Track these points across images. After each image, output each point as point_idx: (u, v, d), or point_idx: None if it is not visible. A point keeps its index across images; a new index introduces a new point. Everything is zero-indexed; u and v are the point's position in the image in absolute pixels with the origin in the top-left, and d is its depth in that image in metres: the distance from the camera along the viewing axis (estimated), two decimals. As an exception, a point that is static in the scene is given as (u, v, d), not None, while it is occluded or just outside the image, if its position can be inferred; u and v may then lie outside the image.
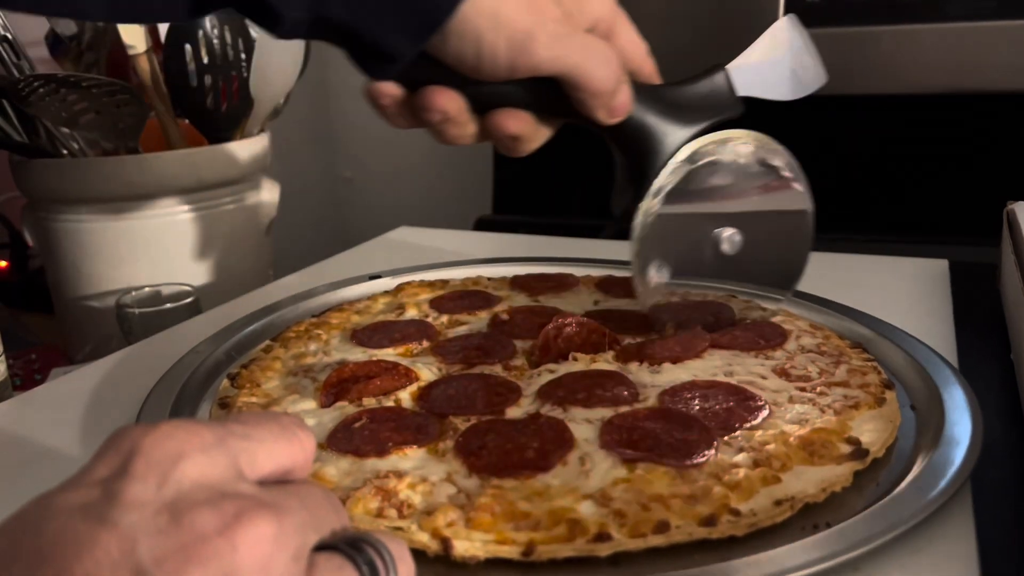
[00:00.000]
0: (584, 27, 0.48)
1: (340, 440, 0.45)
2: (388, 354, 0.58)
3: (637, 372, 0.53)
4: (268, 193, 0.98)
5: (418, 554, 0.37)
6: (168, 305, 0.77)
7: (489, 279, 0.75)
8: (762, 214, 0.55)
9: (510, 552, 0.37)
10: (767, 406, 0.47)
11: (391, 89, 0.47)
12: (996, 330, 0.64)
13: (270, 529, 0.24)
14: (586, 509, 0.38)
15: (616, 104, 0.48)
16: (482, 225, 1.21)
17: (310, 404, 0.51)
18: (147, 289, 0.81)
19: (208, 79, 0.88)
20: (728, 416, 0.46)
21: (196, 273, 0.90)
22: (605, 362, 0.54)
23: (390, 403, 0.50)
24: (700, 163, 0.52)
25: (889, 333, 0.59)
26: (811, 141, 1.07)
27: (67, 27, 0.92)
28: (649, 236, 0.53)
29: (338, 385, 0.51)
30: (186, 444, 0.25)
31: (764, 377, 0.52)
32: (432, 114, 0.47)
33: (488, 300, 0.69)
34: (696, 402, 0.48)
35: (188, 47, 0.86)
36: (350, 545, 0.27)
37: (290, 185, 1.04)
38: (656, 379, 0.51)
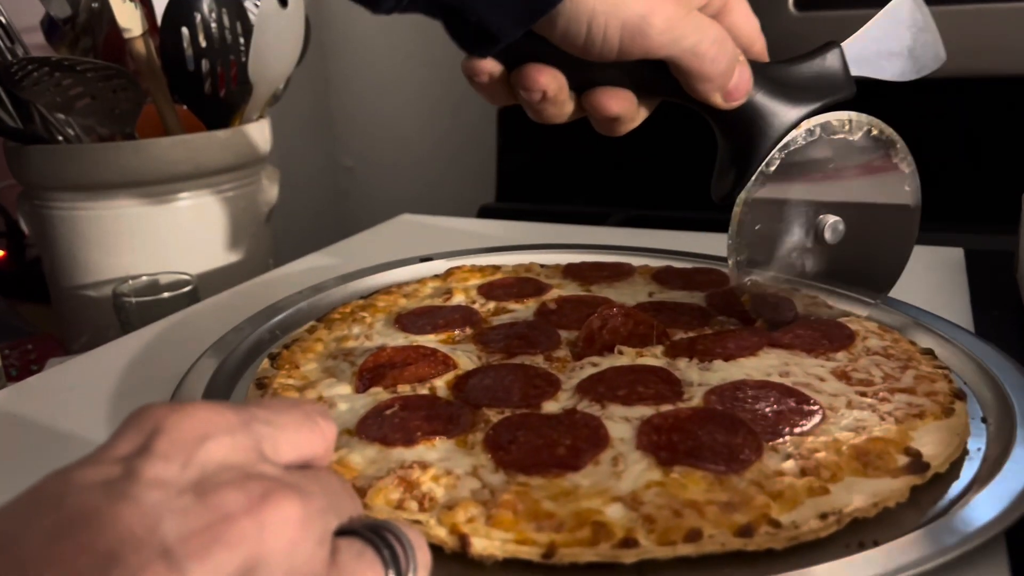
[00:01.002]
0: (698, 5, 0.45)
1: (369, 427, 0.44)
2: (429, 340, 0.56)
3: (685, 369, 0.50)
4: (268, 180, 0.97)
5: (435, 550, 0.36)
6: (166, 294, 0.76)
7: (542, 266, 0.73)
8: (867, 205, 0.52)
9: (530, 553, 0.35)
10: (821, 410, 0.44)
11: (489, 66, 0.46)
12: (1014, 318, 0.61)
13: (296, 511, 0.24)
14: (614, 512, 0.36)
15: (732, 87, 0.46)
16: (486, 213, 1.19)
17: (345, 388, 0.50)
18: (144, 278, 0.79)
19: (206, 63, 0.87)
20: (777, 419, 0.43)
21: (195, 261, 0.88)
22: (653, 357, 0.52)
23: (425, 391, 0.49)
24: (806, 144, 0.49)
25: (958, 338, 0.55)
26: None
27: (61, 9, 0.90)
28: (749, 221, 0.50)
29: (373, 371, 0.50)
30: (211, 425, 0.25)
31: (822, 379, 0.48)
32: (532, 93, 0.46)
33: (538, 288, 0.67)
34: (744, 403, 0.45)
35: (185, 31, 0.85)
36: (370, 531, 0.27)
37: (290, 174, 1.03)
38: (705, 377, 0.49)
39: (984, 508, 0.36)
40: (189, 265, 0.85)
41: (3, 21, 0.84)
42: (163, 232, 0.88)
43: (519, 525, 0.36)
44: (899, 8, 0.50)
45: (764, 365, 0.50)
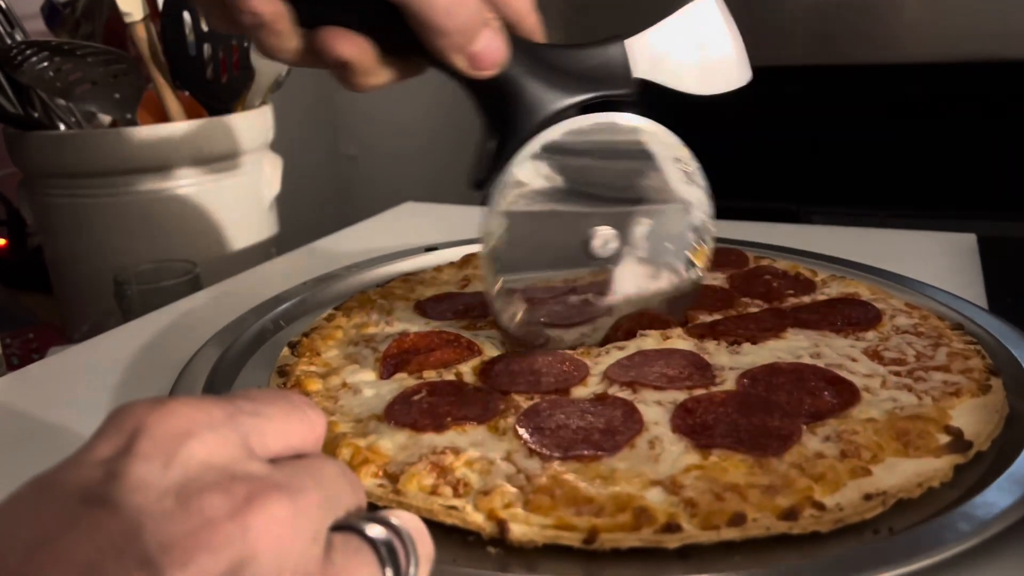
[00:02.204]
0: None
1: (397, 413, 0.43)
2: (451, 326, 0.56)
3: (715, 352, 0.49)
4: (271, 167, 0.96)
5: (471, 536, 0.35)
6: (168, 281, 0.75)
7: (559, 251, 0.72)
8: (638, 212, 0.47)
9: (571, 539, 0.34)
10: (857, 391, 0.43)
11: None
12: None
13: (284, 511, 0.23)
14: (654, 496, 0.36)
15: (477, 50, 0.40)
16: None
17: (368, 374, 0.49)
18: (146, 265, 0.78)
19: (208, 48, 0.85)
20: (813, 401, 0.42)
21: (197, 249, 0.87)
22: (680, 339, 0.51)
23: (450, 376, 0.48)
24: (570, 139, 0.44)
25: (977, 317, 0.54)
26: (834, 113, 1.02)
27: None
28: (507, 233, 0.46)
29: (398, 357, 0.50)
30: (193, 422, 0.24)
31: (854, 359, 0.47)
32: (243, 16, 0.39)
33: (557, 273, 0.66)
34: (778, 386, 0.44)
35: (187, 15, 0.84)
36: (367, 526, 0.26)
37: (292, 162, 1.02)
38: (736, 360, 0.48)
39: (1003, 493, 0.36)
40: (191, 253, 0.84)
41: (3, 6, 0.82)
42: (164, 219, 0.87)
43: (558, 510, 0.35)
44: (697, 13, 0.46)
45: (794, 347, 0.49)
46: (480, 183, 0.46)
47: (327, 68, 0.42)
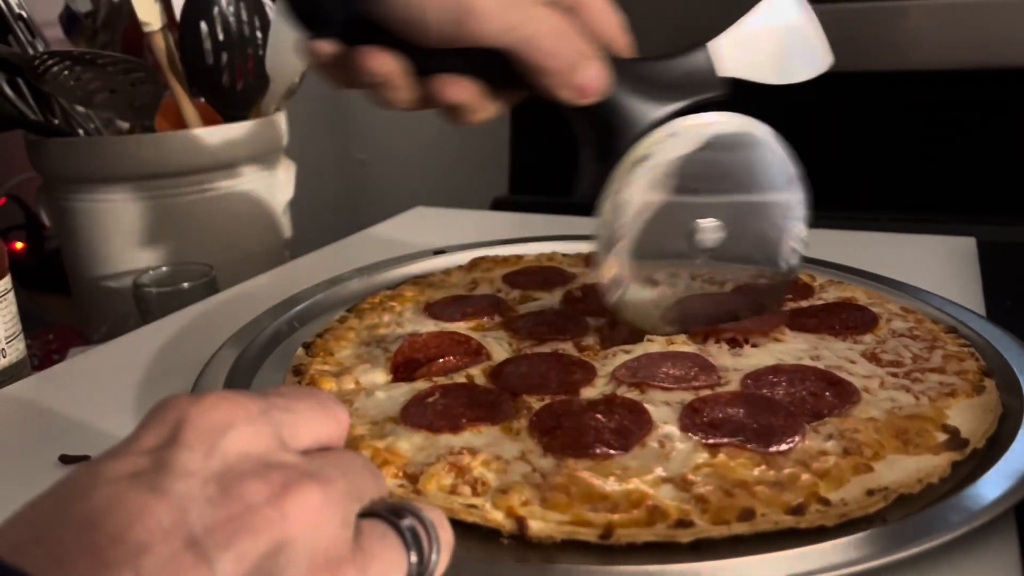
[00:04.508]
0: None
1: (413, 415, 0.45)
2: (460, 327, 0.57)
3: (718, 354, 0.51)
4: (285, 173, 0.97)
5: (491, 534, 0.37)
6: (185, 284, 0.76)
7: (564, 255, 0.74)
8: (743, 205, 0.49)
9: (587, 535, 0.36)
10: (857, 392, 0.45)
11: (325, 47, 0.44)
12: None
13: (317, 498, 0.24)
14: (666, 493, 0.37)
15: (581, 82, 0.43)
16: (499, 205, 1.18)
17: (380, 374, 0.50)
18: (164, 268, 0.80)
19: (224, 57, 0.87)
20: (815, 402, 0.44)
21: (213, 253, 0.88)
22: (683, 342, 0.53)
23: (462, 379, 0.49)
24: (671, 143, 0.46)
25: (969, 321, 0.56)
26: (834, 118, 1.03)
27: (83, 3, 0.91)
28: (618, 227, 0.47)
29: (408, 358, 0.51)
30: (232, 415, 0.25)
31: (853, 362, 0.49)
32: (365, 76, 0.43)
33: (562, 276, 0.67)
34: (781, 387, 0.46)
35: (203, 25, 0.86)
36: (392, 513, 0.27)
37: (303, 167, 1.03)
38: (739, 362, 0.49)
39: (991, 486, 0.37)
40: (207, 256, 0.85)
41: (24, 15, 0.84)
42: (182, 223, 0.89)
43: (574, 507, 0.36)
44: (777, 7, 0.48)
45: (795, 349, 0.51)
46: (586, 195, 0.48)
47: (438, 109, 0.45)
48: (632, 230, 0.47)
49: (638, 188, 0.46)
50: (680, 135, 0.46)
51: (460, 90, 0.44)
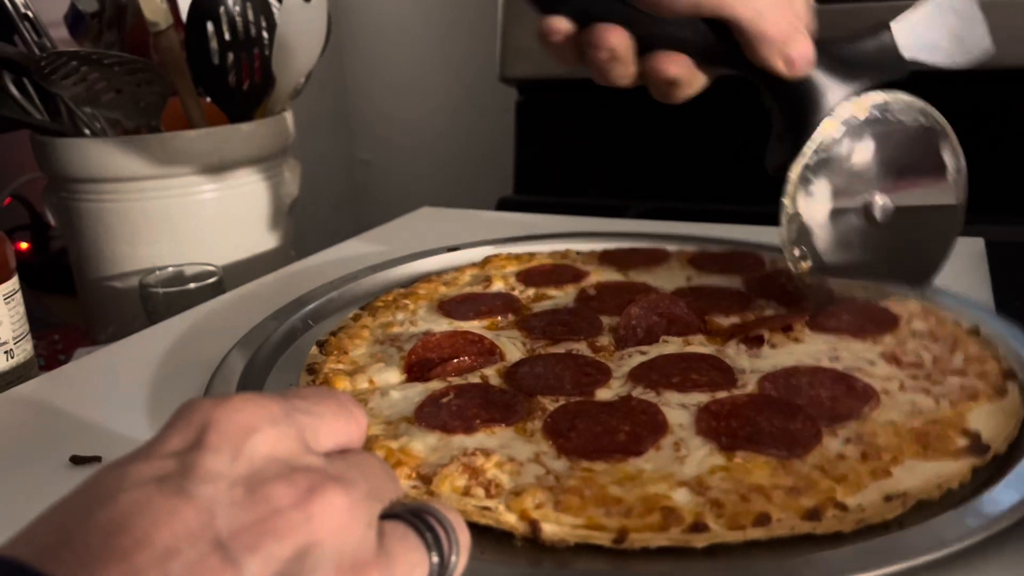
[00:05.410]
0: None
1: (427, 415, 0.44)
2: (473, 326, 0.57)
3: (735, 356, 0.50)
4: (290, 172, 0.97)
5: (504, 536, 0.36)
6: (192, 285, 0.76)
7: (578, 253, 0.73)
8: (914, 187, 0.53)
9: (601, 538, 0.35)
10: (876, 394, 0.44)
11: (562, 24, 0.48)
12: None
13: (342, 501, 0.25)
14: (681, 497, 0.37)
15: (795, 55, 0.48)
16: (504, 205, 1.18)
17: (394, 373, 0.50)
18: (170, 269, 0.80)
19: (230, 57, 0.87)
20: (833, 404, 0.43)
21: (219, 253, 0.88)
22: (700, 344, 0.52)
23: (476, 379, 0.49)
24: (861, 123, 0.50)
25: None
26: None
27: (89, 3, 0.90)
28: (801, 195, 0.51)
29: (422, 358, 0.51)
30: (256, 417, 0.25)
31: (872, 363, 0.48)
32: (600, 52, 0.47)
33: (576, 274, 0.67)
34: (799, 389, 0.45)
35: (210, 24, 0.85)
36: (412, 514, 0.28)
37: (308, 167, 1.03)
38: (756, 364, 0.49)
39: (1011, 491, 0.37)
40: (213, 256, 0.85)
41: (30, 15, 0.84)
42: (188, 223, 0.89)
43: (587, 510, 0.36)
44: None
45: (813, 351, 0.50)
46: (779, 169, 0.52)
47: (653, 87, 0.50)
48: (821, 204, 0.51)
49: (825, 159, 0.50)
50: (874, 112, 0.50)
51: (677, 66, 0.48)
